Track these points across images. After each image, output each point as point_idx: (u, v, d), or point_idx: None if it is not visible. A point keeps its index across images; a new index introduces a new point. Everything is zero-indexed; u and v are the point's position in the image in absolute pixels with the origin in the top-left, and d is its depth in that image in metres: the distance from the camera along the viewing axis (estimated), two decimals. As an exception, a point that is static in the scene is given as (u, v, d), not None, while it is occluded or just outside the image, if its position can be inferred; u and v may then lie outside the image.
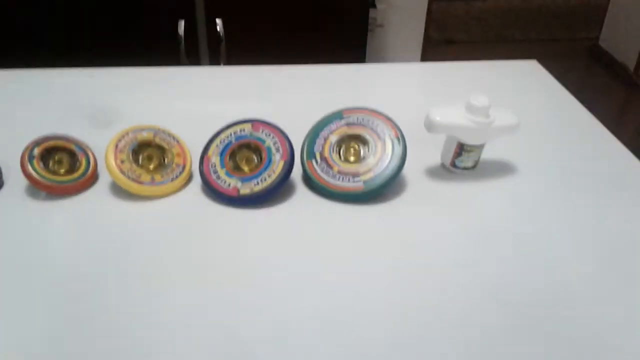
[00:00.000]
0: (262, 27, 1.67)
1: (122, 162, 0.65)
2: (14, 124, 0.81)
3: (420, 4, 2.44)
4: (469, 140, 0.69)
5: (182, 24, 1.54)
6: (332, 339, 0.50)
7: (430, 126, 0.69)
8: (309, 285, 0.56)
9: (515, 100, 0.86)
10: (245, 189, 0.65)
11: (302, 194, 0.69)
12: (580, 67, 2.69)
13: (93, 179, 0.69)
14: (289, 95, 0.91)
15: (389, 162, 0.67)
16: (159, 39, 1.50)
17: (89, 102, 0.86)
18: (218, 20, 1.71)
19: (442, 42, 2.92)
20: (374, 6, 2.30)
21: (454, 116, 0.68)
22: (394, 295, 0.54)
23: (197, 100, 0.89)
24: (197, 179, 0.70)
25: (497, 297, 0.55)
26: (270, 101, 0.86)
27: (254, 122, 0.70)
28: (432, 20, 2.50)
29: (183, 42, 1.51)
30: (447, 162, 0.72)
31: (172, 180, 0.67)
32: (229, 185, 0.66)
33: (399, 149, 0.68)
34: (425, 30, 2.38)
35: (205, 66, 1.01)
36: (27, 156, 0.64)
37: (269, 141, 0.68)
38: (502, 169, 0.74)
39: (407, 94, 0.79)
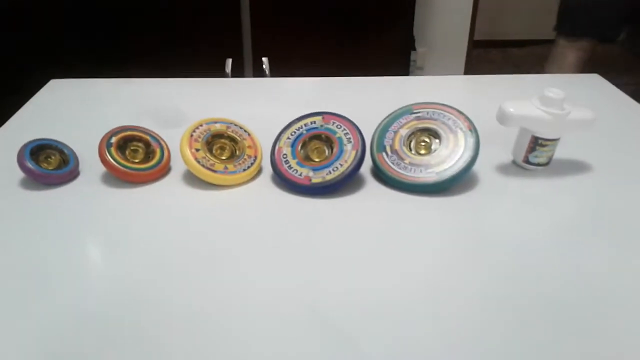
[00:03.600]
0: (306, 66, 1.75)
1: (197, 150, 0.66)
2: (87, 124, 0.83)
3: (460, 49, 2.48)
4: (544, 133, 0.68)
5: (229, 62, 1.62)
6: (404, 328, 0.48)
7: (503, 118, 0.68)
8: (378, 275, 0.54)
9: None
10: (317, 178, 0.65)
11: (371, 186, 0.68)
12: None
13: (166, 168, 0.69)
14: (343, 103, 0.91)
15: (462, 153, 0.66)
16: (209, 75, 1.59)
17: (155, 107, 0.89)
18: (264, 59, 1.78)
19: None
20: (414, 49, 2.34)
21: (528, 108, 0.67)
22: (458, 289, 0.52)
23: (257, 106, 0.90)
24: (266, 172, 0.70)
25: (564, 294, 0.52)
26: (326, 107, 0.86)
27: (325, 115, 0.70)
28: (470, 65, 2.53)
29: (230, 77, 1.59)
30: (520, 159, 0.71)
31: (244, 170, 0.67)
32: (301, 174, 0.66)
33: (471, 140, 0.67)
34: (464, 75, 2.40)
35: (265, 78, 1.03)
36: (105, 144, 0.65)
37: (340, 132, 0.68)
38: (575, 167, 0.72)
39: (471, 102, 0.79)
